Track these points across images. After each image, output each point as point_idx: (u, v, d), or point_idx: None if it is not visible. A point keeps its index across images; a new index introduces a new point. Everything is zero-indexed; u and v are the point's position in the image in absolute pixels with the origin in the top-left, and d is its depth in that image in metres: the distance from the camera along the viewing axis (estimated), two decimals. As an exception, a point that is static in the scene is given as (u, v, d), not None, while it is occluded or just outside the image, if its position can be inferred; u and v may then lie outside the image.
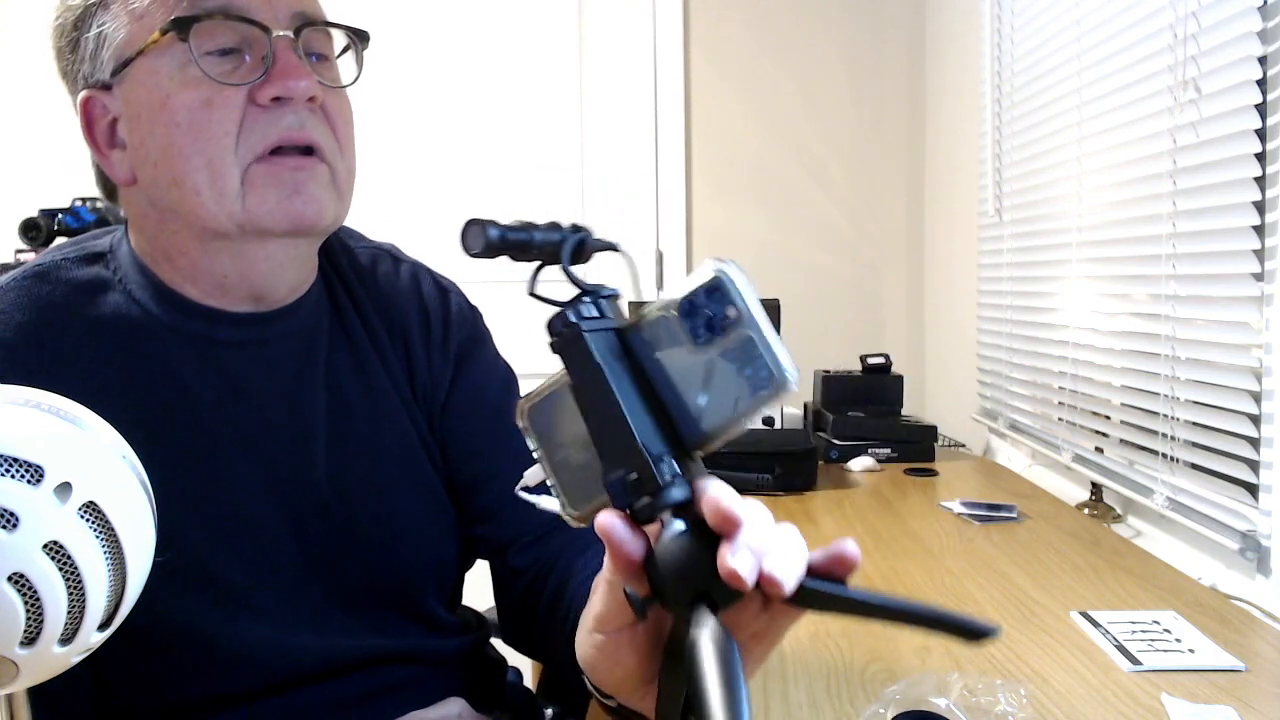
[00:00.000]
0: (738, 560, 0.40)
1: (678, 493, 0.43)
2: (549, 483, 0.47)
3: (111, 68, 0.72)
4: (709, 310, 0.44)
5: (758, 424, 1.70)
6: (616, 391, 0.43)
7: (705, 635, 0.41)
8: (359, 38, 0.78)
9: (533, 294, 0.46)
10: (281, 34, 0.71)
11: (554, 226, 0.46)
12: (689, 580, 0.42)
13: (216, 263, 0.75)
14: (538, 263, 0.46)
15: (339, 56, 0.78)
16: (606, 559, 0.47)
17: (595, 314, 0.45)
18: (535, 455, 0.47)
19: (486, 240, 0.44)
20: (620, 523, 0.44)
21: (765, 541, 0.42)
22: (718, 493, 0.42)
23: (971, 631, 0.41)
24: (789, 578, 0.41)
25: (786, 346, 0.44)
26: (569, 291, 0.46)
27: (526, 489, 0.49)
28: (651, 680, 0.51)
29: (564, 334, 0.44)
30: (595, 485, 0.45)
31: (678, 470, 0.43)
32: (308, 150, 0.73)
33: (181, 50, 0.69)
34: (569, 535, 0.82)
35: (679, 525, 0.43)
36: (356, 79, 0.78)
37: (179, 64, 0.70)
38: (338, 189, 0.75)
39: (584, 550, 0.78)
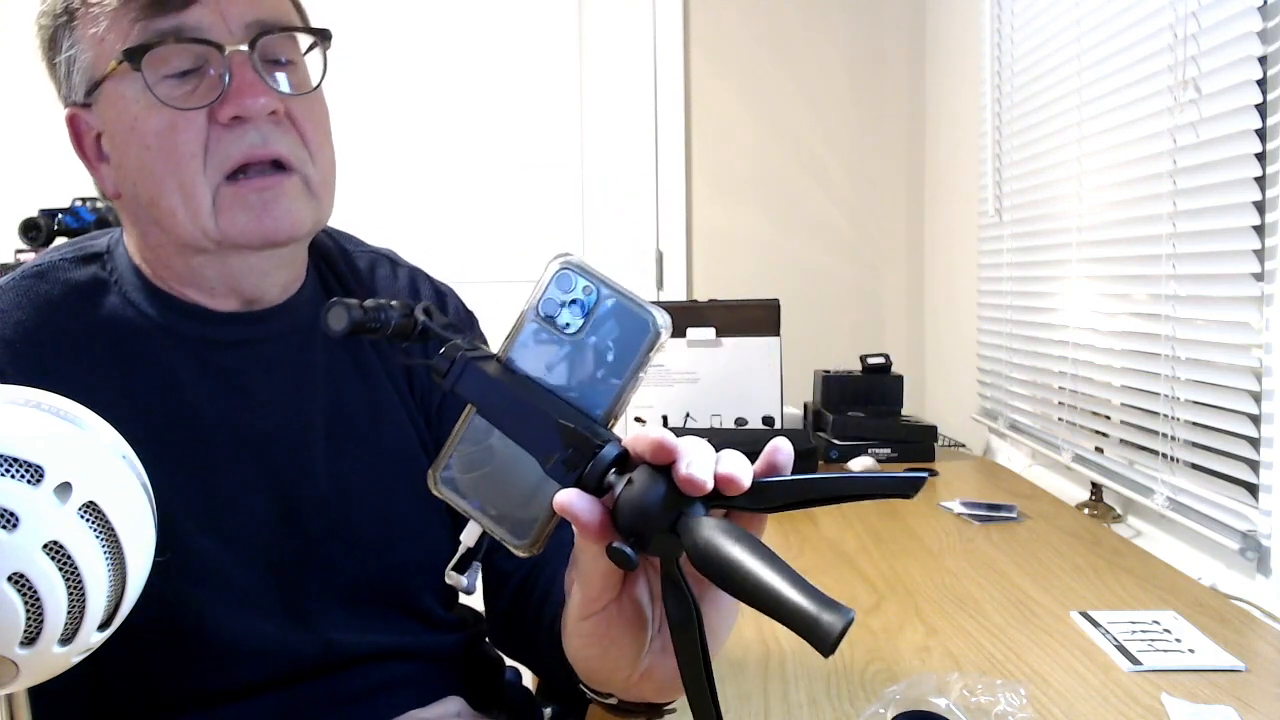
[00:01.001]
0: (692, 468, 0.44)
1: (613, 449, 0.46)
2: (488, 530, 0.49)
3: (83, 90, 0.73)
4: (568, 298, 0.47)
5: (757, 422, 1.70)
6: (522, 391, 0.47)
7: (707, 529, 0.43)
8: (321, 37, 0.77)
9: (407, 364, 0.49)
10: (235, 49, 0.70)
11: (406, 307, 0.49)
12: (658, 513, 0.44)
13: (202, 273, 0.76)
14: (399, 337, 0.50)
15: (308, 53, 0.77)
16: (576, 542, 0.48)
17: (469, 347, 0.48)
18: (464, 513, 0.49)
19: (350, 319, 0.47)
20: (577, 493, 0.45)
21: (709, 452, 0.45)
22: (648, 430, 0.45)
23: (905, 485, 0.45)
24: (742, 473, 0.45)
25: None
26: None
27: (469, 550, 0.51)
28: (643, 656, 0.52)
29: (452, 368, 0.47)
30: (531, 508, 0.48)
31: (605, 434, 0.46)
32: (277, 163, 0.73)
33: (139, 77, 0.69)
34: (556, 542, 0.82)
35: (626, 479, 0.46)
36: (322, 80, 0.77)
37: (140, 88, 0.70)
38: (313, 194, 0.75)
39: (566, 559, 0.78)
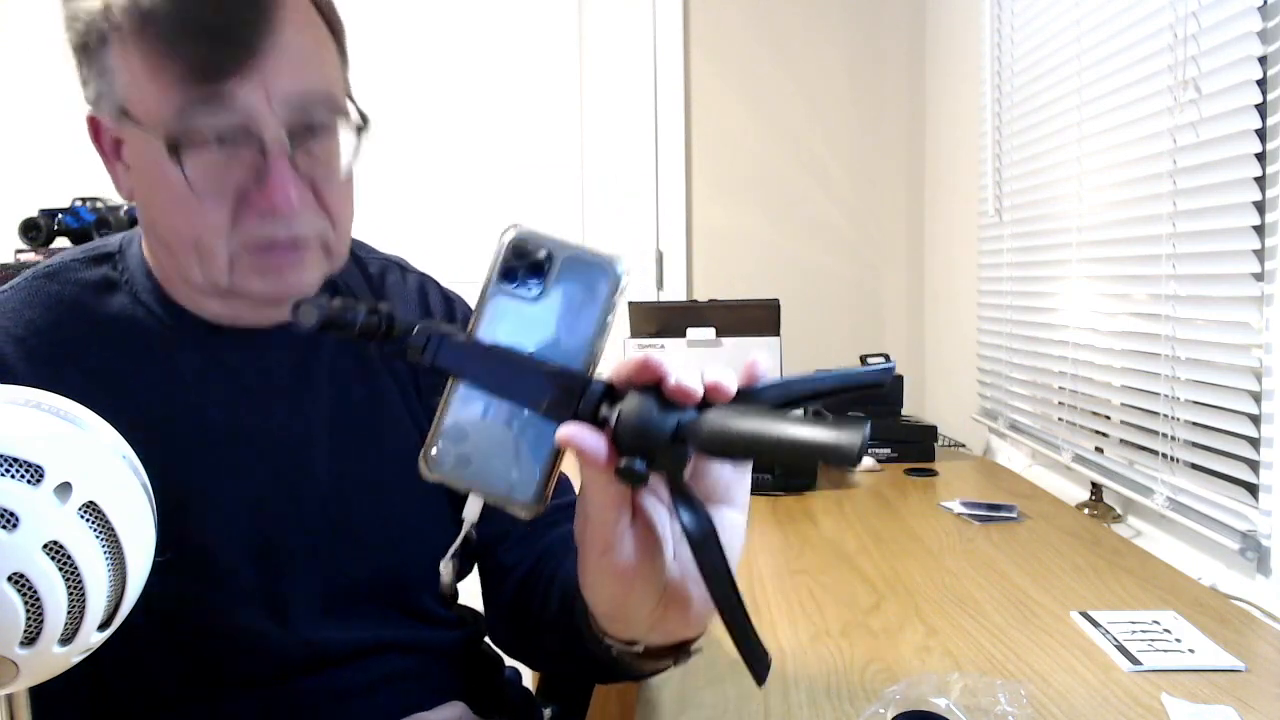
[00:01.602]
0: (679, 378, 0.46)
1: (600, 385, 0.47)
2: (489, 499, 0.49)
3: (111, 114, 0.70)
4: (526, 265, 0.49)
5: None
6: (501, 348, 0.48)
7: (710, 420, 0.45)
8: (361, 120, 0.74)
9: (377, 355, 0.50)
10: (274, 137, 0.67)
11: (373, 308, 0.50)
12: (658, 425, 0.46)
13: (208, 300, 0.76)
14: (365, 336, 0.50)
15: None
16: (582, 477, 0.49)
17: (430, 329, 0.49)
18: (461, 489, 0.50)
19: (320, 314, 0.48)
20: (577, 425, 0.46)
21: (692, 366, 0.47)
22: (631, 355, 0.47)
23: (877, 376, 0.48)
24: (729, 380, 0.47)
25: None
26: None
27: (474, 526, 0.52)
28: (663, 581, 0.53)
29: (427, 344, 0.48)
30: (528, 467, 0.48)
31: (589, 374, 0.48)
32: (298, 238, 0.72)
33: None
34: (557, 533, 0.83)
35: (618, 407, 0.47)
36: (354, 161, 0.75)
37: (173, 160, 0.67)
38: (330, 254, 0.75)
39: (567, 553, 0.78)
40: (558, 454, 0.48)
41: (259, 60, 0.65)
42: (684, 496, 0.48)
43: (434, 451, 0.49)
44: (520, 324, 0.48)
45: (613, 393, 0.48)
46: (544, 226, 0.49)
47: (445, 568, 0.54)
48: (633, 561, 0.52)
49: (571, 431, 0.46)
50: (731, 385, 0.47)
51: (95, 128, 0.74)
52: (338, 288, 0.86)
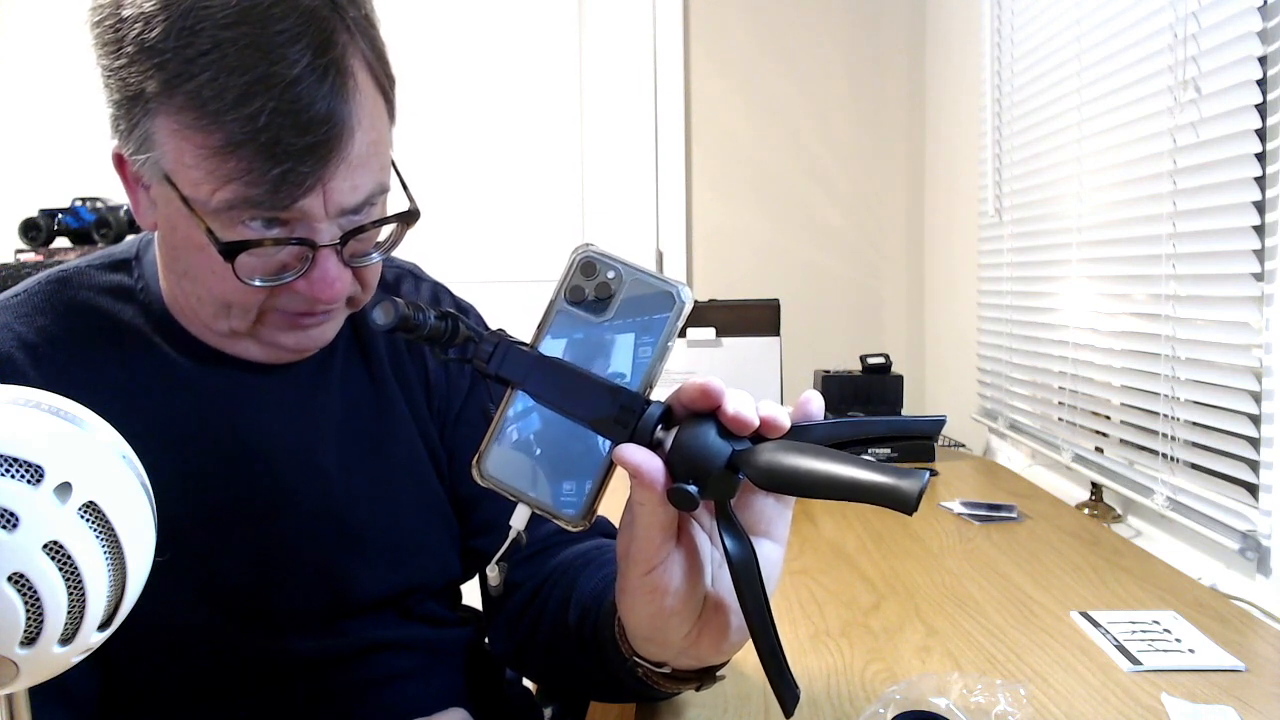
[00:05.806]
0: (737, 407, 0.47)
1: (658, 407, 0.48)
2: (537, 509, 0.50)
3: (152, 174, 0.66)
4: (592, 284, 0.50)
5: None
6: (564, 365, 0.49)
7: (766, 452, 0.46)
8: (406, 219, 0.74)
9: (445, 360, 0.53)
10: (327, 238, 0.66)
11: (442, 312, 0.52)
12: (714, 453, 0.47)
13: (223, 339, 0.75)
14: (431, 340, 0.52)
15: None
16: (633, 498, 0.49)
17: (499, 337, 0.51)
18: (511, 497, 0.50)
19: (398, 314, 0.50)
20: (634, 446, 0.47)
21: (749, 396, 0.48)
22: (690, 382, 0.48)
23: (928, 425, 0.49)
24: (783, 415, 0.48)
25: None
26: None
27: (520, 534, 0.52)
28: (701, 607, 0.53)
29: (494, 351, 0.50)
30: (578, 482, 0.49)
31: (646, 395, 0.49)
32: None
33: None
34: (566, 552, 0.83)
35: (674, 431, 0.48)
36: (394, 245, 0.75)
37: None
38: (354, 305, 0.76)
39: (584, 567, 0.78)
40: (608, 471, 0.49)
41: (327, 177, 0.63)
42: (730, 524, 0.48)
43: (487, 458, 0.50)
44: (583, 341, 0.49)
45: (669, 416, 0.48)
46: (614, 248, 0.51)
47: (493, 571, 0.54)
48: (674, 583, 0.52)
49: (630, 451, 0.47)
50: (786, 421, 0.48)
51: (120, 158, 0.70)
52: None
